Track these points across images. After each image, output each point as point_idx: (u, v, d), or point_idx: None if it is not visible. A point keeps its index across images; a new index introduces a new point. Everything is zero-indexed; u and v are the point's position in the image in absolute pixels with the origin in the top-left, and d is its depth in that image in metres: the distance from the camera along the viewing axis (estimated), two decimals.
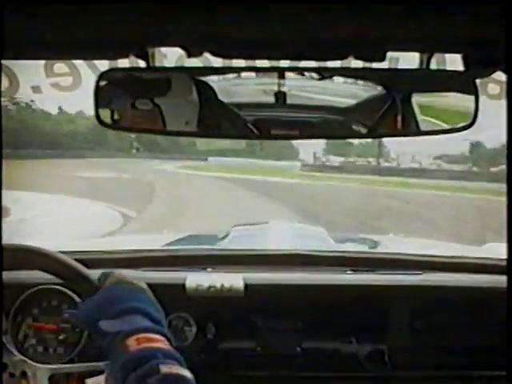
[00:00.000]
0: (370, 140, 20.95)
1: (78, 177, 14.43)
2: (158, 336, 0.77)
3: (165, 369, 0.70)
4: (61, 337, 1.24)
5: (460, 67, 0.85)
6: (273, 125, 0.94)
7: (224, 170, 18.42)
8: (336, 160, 21.52)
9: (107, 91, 0.90)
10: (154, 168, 18.84)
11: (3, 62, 1.33)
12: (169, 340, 0.79)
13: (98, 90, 0.89)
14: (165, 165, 20.05)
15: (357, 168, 19.68)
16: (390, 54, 0.82)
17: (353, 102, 0.96)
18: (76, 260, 1.08)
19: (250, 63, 0.97)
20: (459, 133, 0.91)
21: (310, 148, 20.90)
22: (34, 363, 1.12)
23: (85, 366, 1.13)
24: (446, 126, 0.93)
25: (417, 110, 0.92)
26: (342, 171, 19.21)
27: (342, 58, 0.84)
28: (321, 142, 21.01)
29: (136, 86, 0.90)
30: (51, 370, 1.11)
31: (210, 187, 14.24)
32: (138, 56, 0.83)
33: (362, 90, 0.96)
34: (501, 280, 1.33)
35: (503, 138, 0.72)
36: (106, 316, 0.81)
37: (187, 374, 0.73)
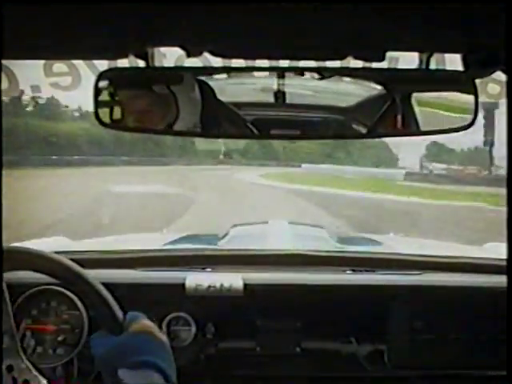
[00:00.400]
0: (471, 145, 18.98)
1: (101, 191, 11.44)
2: None
3: None
4: (60, 338, 1.24)
5: (460, 67, 0.85)
6: (272, 124, 0.94)
7: (314, 181, 14.90)
8: (438, 167, 18.83)
9: (109, 90, 0.90)
10: (228, 177, 16.22)
11: (3, 61, 1.33)
12: None
13: (97, 90, 0.89)
14: (246, 172, 17.35)
15: (468, 178, 16.27)
16: (389, 54, 0.82)
17: (353, 101, 0.96)
18: (74, 260, 1.08)
19: (250, 63, 0.97)
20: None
21: (410, 153, 18.58)
22: (40, 377, 1.11)
23: None
24: (446, 126, 0.93)
25: (416, 107, 0.92)
26: (456, 182, 15.21)
27: (341, 58, 0.84)
28: (421, 147, 19.12)
29: (144, 82, 0.90)
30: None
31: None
32: (138, 56, 0.83)
33: (362, 90, 0.96)
34: (501, 280, 1.33)
35: None
36: (124, 364, 0.85)
37: None
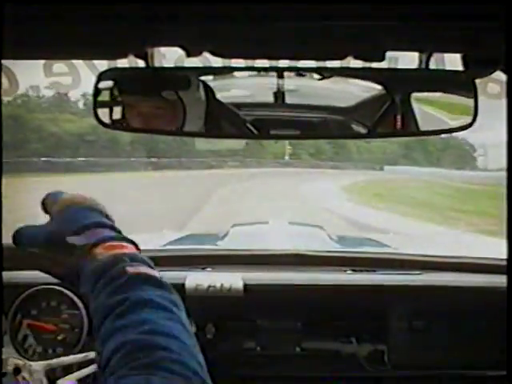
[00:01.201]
0: None
1: None
2: (124, 243, 0.75)
3: (131, 270, 0.70)
4: (60, 337, 1.24)
5: (460, 67, 0.85)
6: (272, 125, 0.94)
7: (425, 197, 10.50)
8: None
9: (111, 90, 0.90)
10: (298, 194, 10.46)
11: (3, 61, 1.33)
12: (136, 246, 0.77)
13: (97, 90, 0.89)
14: (321, 181, 11.91)
15: None
16: (389, 54, 0.82)
17: (352, 101, 0.96)
18: None
19: (250, 63, 0.97)
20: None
21: (493, 153, 15.55)
22: (29, 361, 1.11)
23: (78, 358, 1.12)
24: (446, 126, 0.93)
25: (415, 106, 0.92)
26: None
27: (341, 58, 0.84)
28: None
29: (155, 83, 0.90)
30: (45, 365, 1.11)
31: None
32: (138, 56, 0.83)
33: (362, 90, 0.96)
34: (501, 280, 1.33)
35: None
36: (69, 234, 0.76)
37: (154, 273, 0.71)
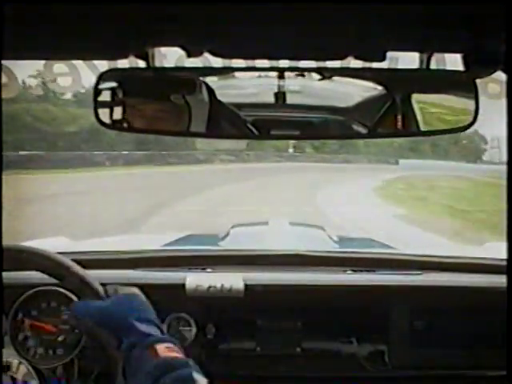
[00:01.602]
0: None
1: None
2: (176, 348, 0.82)
3: (200, 379, 0.76)
4: (60, 338, 1.24)
5: (460, 67, 0.85)
6: (272, 125, 0.94)
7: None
8: None
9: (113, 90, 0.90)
10: (308, 197, 7.69)
11: (3, 62, 1.33)
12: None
13: (97, 90, 0.89)
14: (345, 182, 9.52)
15: None
16: (389, 54, 0.82)
17: (353, 102, 0.96)
18: (75, 261, 1.08)
19: (250, 63, 0.97)
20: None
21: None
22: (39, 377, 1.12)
23: None
24: (446, 126, 0.93)
25: (417, 110, 0.92)
26: None
27: (341, 58, 0.84)
28: None
29: (162, 84, 0.90)
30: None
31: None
32: (138, 56, 0.83)
33: (362, 90, 0.96)
34: (501, 280, 1.33)
35: None
36: (131, 317, 0.86)
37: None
